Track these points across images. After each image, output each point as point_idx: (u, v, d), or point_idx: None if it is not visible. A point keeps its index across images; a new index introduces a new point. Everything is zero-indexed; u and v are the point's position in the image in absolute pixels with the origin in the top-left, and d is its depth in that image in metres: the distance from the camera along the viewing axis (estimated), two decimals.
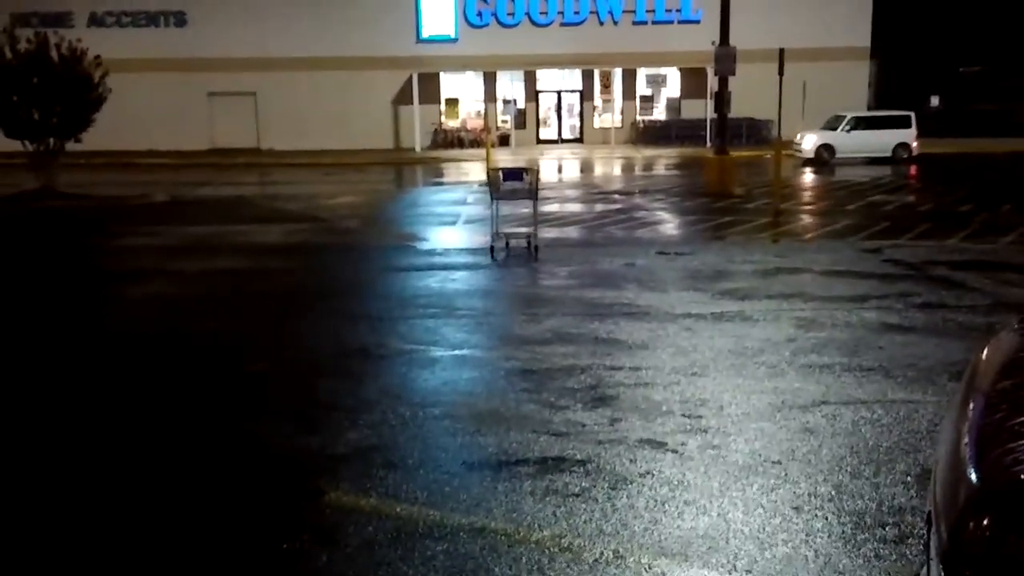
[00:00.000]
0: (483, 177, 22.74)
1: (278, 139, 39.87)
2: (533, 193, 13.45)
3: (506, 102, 40.50)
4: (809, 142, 30.17)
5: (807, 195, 20.61)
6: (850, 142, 29.71)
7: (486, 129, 38.73)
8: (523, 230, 13.95)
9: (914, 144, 29.82)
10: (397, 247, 14.44)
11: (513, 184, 13.49)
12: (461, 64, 39.50)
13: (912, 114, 30.60)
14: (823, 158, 29.68)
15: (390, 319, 9.43)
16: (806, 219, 16.67)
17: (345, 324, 9.29)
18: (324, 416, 6.45)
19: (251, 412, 6.59)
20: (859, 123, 30.26)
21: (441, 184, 26.75)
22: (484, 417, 6.39)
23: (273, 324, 9.37)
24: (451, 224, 17.04)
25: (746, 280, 11.06)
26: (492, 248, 13.31)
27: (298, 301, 10.57)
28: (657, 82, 40.89)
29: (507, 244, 13.73)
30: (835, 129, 30.10)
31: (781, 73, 30.63)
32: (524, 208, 16.40)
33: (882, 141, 29.77)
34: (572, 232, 15.90)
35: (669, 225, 17.05)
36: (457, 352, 8.10)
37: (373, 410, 6.55)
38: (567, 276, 11.63)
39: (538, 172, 14.60)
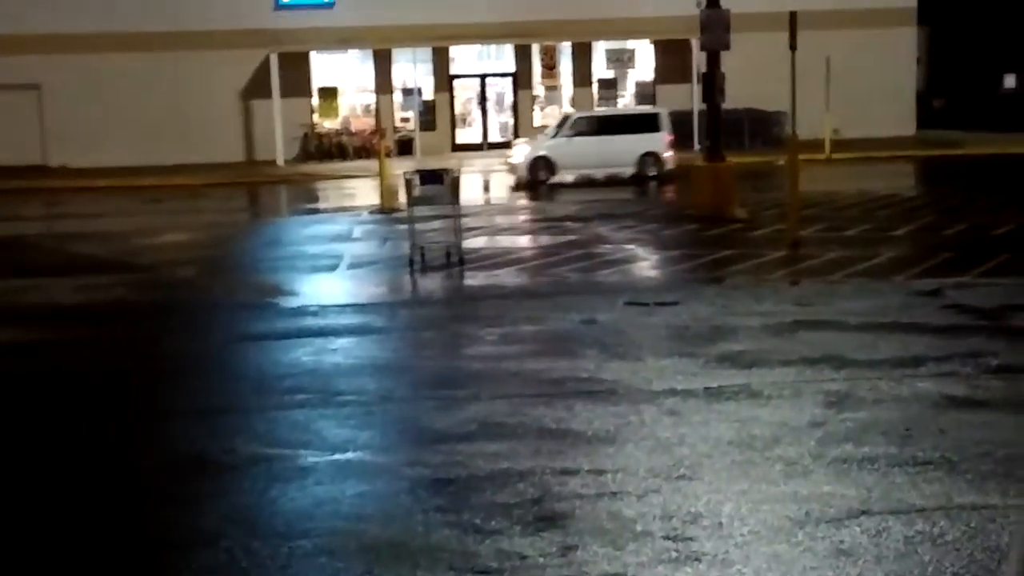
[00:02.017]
0: (375, 200, 22.75)
1: (74, 152, 39.46)
2: (454, 197, 15.73)
3: (407, 93, 40.78)
4: (522, 154, 30.49)
5: (842, 216, 21.08)
6: (575, 153, 29.94)
7: (379, 132, 38.89)
8: (443, 240, 16.88)
9: (667, 154, 30.14)
10: (251, 306, 14.33)
11: (431, 189, 15.60)
12: (340, 39, 39.74)
13: (663, 112, 31.22)
14: (539, 177, 29.80)
15: (240, 412, 9.30)
16: (836, 249, 17.03)
17: (174, 422, 9.13)
18: (140, 563, 6.34)
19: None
20: (588, 125, 30.61)
21: (315, 212, 26.67)
22: (378, 551, 6.31)
23: (64, 428, 9.18)
24: (330, 270, 17.01)
25: (753, 340, 11.20)
26: (411, 261, 16.60)
27: (104, 391, 10.36)
28: (622, 60, 41.60)
29: (422, 256, 16.74)
30: (557, 136, 30.45)
31: (794, 46, 31.39)
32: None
33: (621, 151, 30.03)
34: (506, 276, 15.96)
35: (643, 263, 17.21)
36: (339, 457, 8.02)
37: (214, 547, 6.44)
38: (499, 340, 11.64)
39: (459, 174, 17.38)
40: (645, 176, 30.08)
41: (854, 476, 7.25)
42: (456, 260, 16.84)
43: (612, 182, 30.04)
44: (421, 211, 17.51)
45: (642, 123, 30.69)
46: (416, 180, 16.73)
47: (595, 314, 12.72)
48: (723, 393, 9.25)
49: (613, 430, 8.35)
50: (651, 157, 30.11)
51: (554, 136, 30.57)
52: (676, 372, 9.99)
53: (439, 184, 16.43)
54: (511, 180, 30.89)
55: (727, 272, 15.67)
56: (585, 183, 30.25)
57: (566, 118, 31.31)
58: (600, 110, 32.99)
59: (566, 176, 30.32)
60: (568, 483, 7.26)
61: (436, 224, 19.14)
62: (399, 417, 9.06)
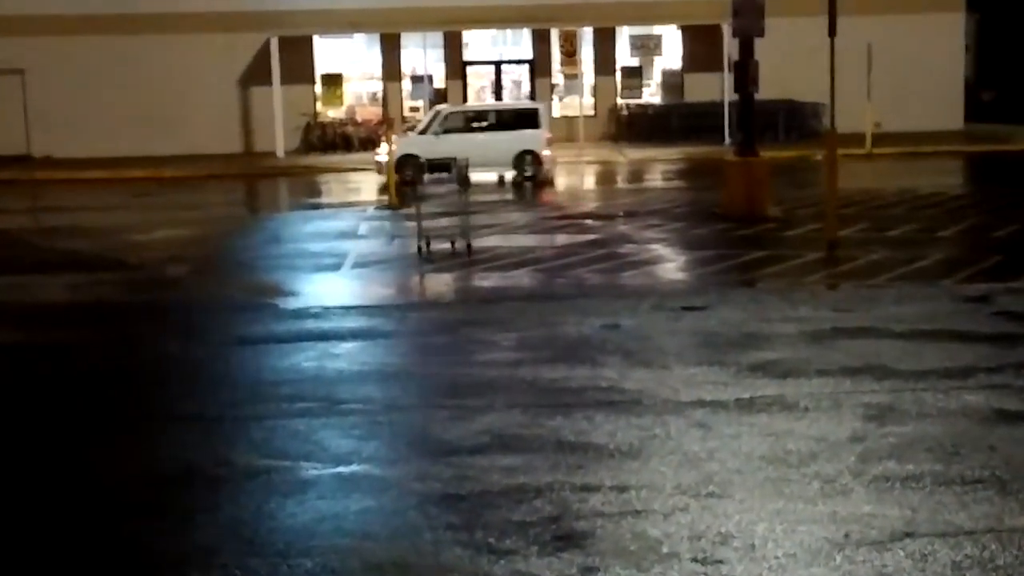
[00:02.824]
0: (381, 195, 22.75)
1: (60, 142, 39.53)
2: (463, 185, 16.75)
3: (416, 81, 40.78)
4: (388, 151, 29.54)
5: (884, 215, 21.03)
6: (446, 151, 27.96)
7: (386, 122, 38.87)
8: (451, 230, 17.84)
9: (546, 152, 29.62)
10: (249, 307, 14.34)
11: (439, 177, 16.78)
12: (345, 22, 39.75)
13: (542, 107, 30.81)
14: (405, 177, 28.16)
15: (237, 421, 9.31)
16: (878, 251, 16.99)
17: (165, 431, 9.15)
18: None
19: None
20: (460, 121, 30.22)
21: (317, 207, 26.70)
22: (384, 571, 6.31)
23: (48, 437, 9.20)
24: (333, 269, 17.02)
25: (788, 348, 11.18)
26: (420, 250, 17.56)
27: (91, 397, 10.39)
28: (648, 47, 41.53)
29: (428, 245, 17.61)
30: (426, 132, 29.89)
31: (833, 32, 31.26)
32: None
33: (496, 149, 29.46)
34: (522, 278, 15.96)
35: (670, 265, 17.20)
36: (342, 469, 8.03)
37: (208, 566, 6.45)
38: (514, 346, 11.65)
39: (467, 163, 18.34)
40: (523, 176, 29.52)
41: (897, 495, 7.22)
42: (463, 251, 17.59)
43: (487, 183, 29.25)
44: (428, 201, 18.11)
45: (520, 119, 30.13)
46: (424, 167, 17.97)
47: (618, 318, 12.70)
48: (755, 405, 9.23)
49: (637, 444, 8.34)
50: (529, 156, 29.56)
51: (422, 132, 29.94)
52: (705, 381, 9.97)
53: (446, 172, 17.76)
54: (378, 180, 29.79)
55: (760, 275, 15.65)
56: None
57: (436, 113, 30.68)
58: (474, 104, 32.12)
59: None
60: (589, 500, 7.25)
61: (442, 216, 19.20)
62: (407, 427, 9.06)
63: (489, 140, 29.51)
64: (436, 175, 17.76)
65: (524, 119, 30.12)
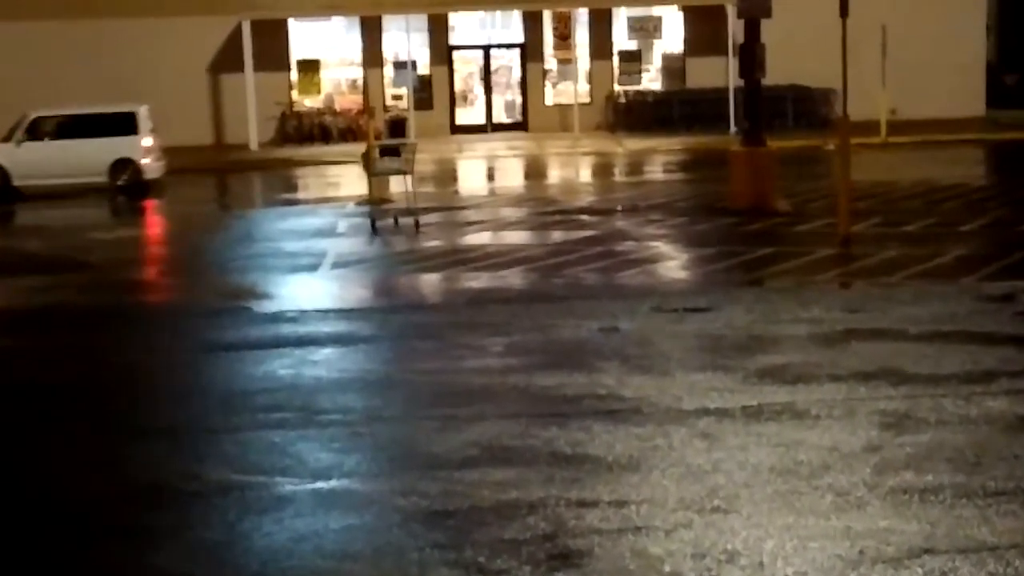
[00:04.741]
0: (362, 190, 22.87)
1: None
2: (409, 166, 20.43)
3: (399, 67, 40.75)
4: None
5: (901, 208, 21.06)
6: (33, 159, 28.69)
7: (367, 111, 38.85)
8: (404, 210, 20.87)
9: (146, 160, 29.05)
10: (220, 311, 14.32)
11: (389, 160, 20.40)
12: (322, 5, 39.75)
13: (142, 110, 30.08)
14: None
15: (208, 433, 9.31)
16: (894, 247, 17.01)
17: (131, 444, 9.14)
18: None
19: None
20: (49, 127, 29.45)
21: (294, 203, 26.67)
22: None
23: (6, 452, 9.19)
24: (311, 270, 17.01)
25: (799, 351, 11.19)
26: (373, 223, 20.45)
27: (49, 408, 10.37)
28: (647, 30, 41.51)
29: (373, 223, 20.47)
30: (11, 139, 29.30)
31: (845, 13, 31.27)
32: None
33: (88, 157, 28.52)
34: (513, 278, 15.98)
35: (671, 263, 17.21)
36: (321, 485, 8.03)
37: None
38: (505, 351, 11.65)
39: (415, 147, 21.97)
40: (117, 187, 28.64)
41: (915, 509, 7.24)
42: (412, 224, 20.25)
43: (78, 194, 28.33)
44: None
45: (115, 124, 29.39)
46: (377, 153, 21.00)
47: (616, 321, 12.71)
48: (764, 413, 9.24)
49: (637, 455, 8.35)
50: (125, 164, 28.83)
51: (6, 139, 29.36)
52: (709, 388, 9.98)
53: (396, 156, 20.93)
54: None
55: (768, 273, 15.67)
56: (58, 194, 28.45)
57: (23, 118, 29.81)
58: (65, 109, 31.08)
59: (37, 184, 28.71)
60: (585, 516, 7.26)
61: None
62: (391, 439, 9.06)
63: (80, 147, 28.64)
64: (387, 159, 20.80)
65: (120, 124, 29.30)
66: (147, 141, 29.24)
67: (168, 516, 7.60)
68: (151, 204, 26.85)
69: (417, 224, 20.31)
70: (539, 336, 12.23)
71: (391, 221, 20.86)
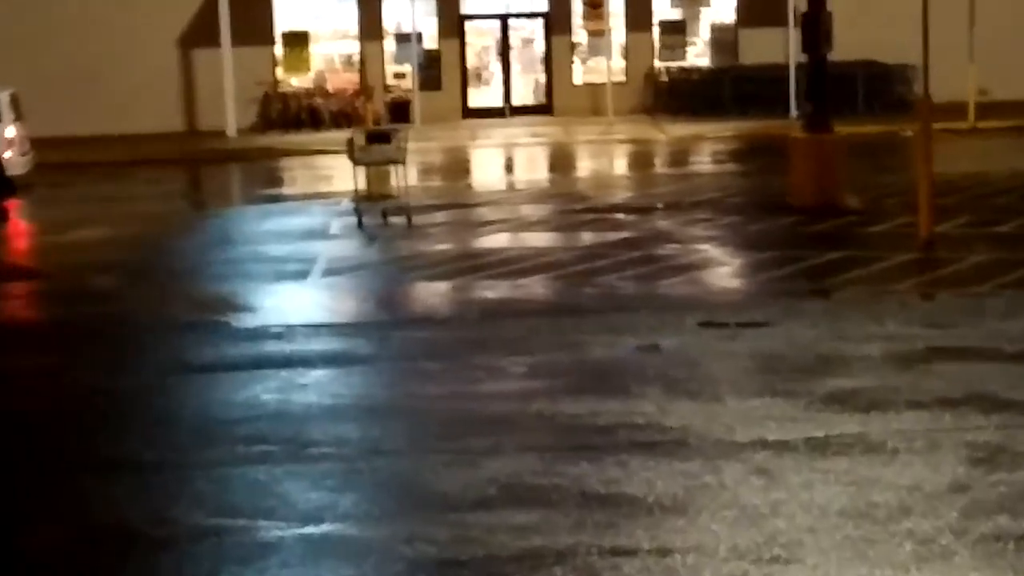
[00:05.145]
0: (359, 184, 22.91)
1: None
2: (401, 154, 20.99)
3: (402, 40, 40.81)
4: None
5: (992, 206, 21.00)
6: None
7: (364, 92, 38.92)
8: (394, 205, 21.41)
9: (8, 155, 28.33)
10: (195, 326, 14.35)
11: (378, 148, 21.25)
12: None
13: (3, 96, 29.63)
14: None
15: (181, 469, 9.31)
16: (984, 251, 16.99)
17: (91, 481, 9.16)
18: None
19: None
20: None
21: (279, 199, 26.71)
22: None
23: None
24: (299, 278, 17.04)
25: (872, 374, 11.16)
26: (359, 219, 21.00)
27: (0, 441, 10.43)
28: None
29: (360, 220, 20.97)
30: None
31: None
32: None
33: None
34: (535, 287, 16.00)
35: (722, 270, 17.19)
36: (312, 529, 8.03)
37: None
38: (527, 373, 11.65)
39: (407, 133, 22.34)
40: None
41: (1010, 559, 7.22)
42: (404, 222, 20.87)
43: None
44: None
45: None
46: (363, 138, 21.72)
47: (657, 338, 12.72)
48: (831, 445, 9.23)
49: (682, 495, 8.34)
50: None
51: None
52: (767, 417, 9.97)
53: (386, 142, 21.56)
54: None
55: (836, 281, 15.63)
56: None
57: None
58: None
59: None
60: (622, 567, 7.26)
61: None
62: (393, 476, 9.06)
63: None
64: (376, 145, 21.37)
65: None
66: (9, 131, 28.85)
67: (135, 567, 7.62)
68: (12, 205, 26.58)
69: (409, 221, 20.86)
70: (566, 355, 12.24)
71: (380, 218, 21.19)
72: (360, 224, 20.88)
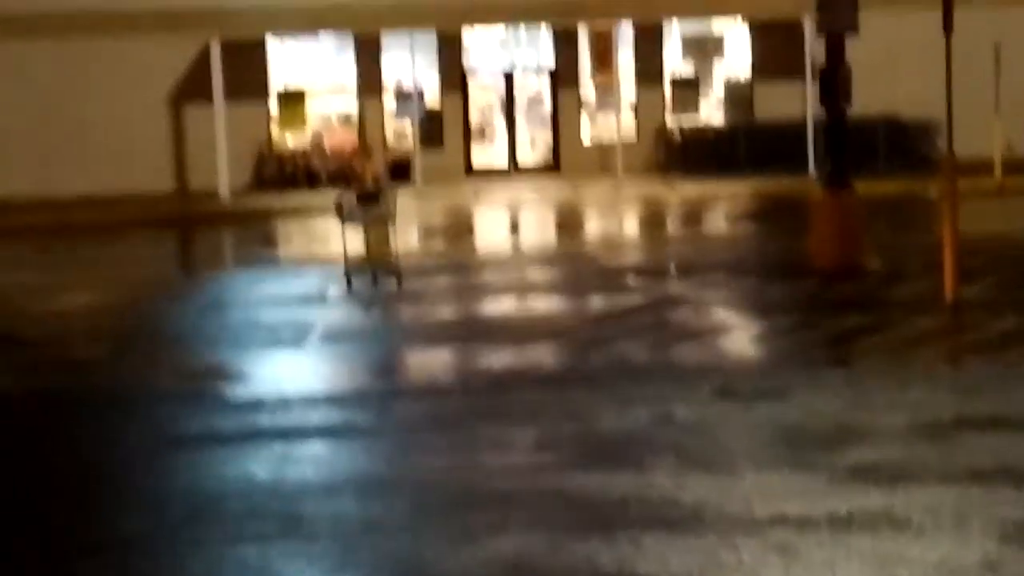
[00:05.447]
0: (357, 247, 23.01)
1: None
2: (390, 215, 21.72)
3: (403, 96, 40.97)
4: None
5: (1010, 267, 21.01)
6: None
7: (363, 151, 39.06)
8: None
9: None
10: (185, 396, 14.34)
11: (366, 209, 21.86)
12: (309, 20, 39.99)
13: None
14: None
15: (169, 547, 9.30)
16: (1012, 316, 16.97)
17: (74, 563, 9.12)
18: None
19: None
20: None
21: (274, 263, 26.76)
22: None
23: None
24: (294, 345, 17.05)
25: (897, 445, 11.12)
26: (348, 280, 21.35)
27: None
28: (705, 50, 41.73)
29: (348, 282, 21.36)
30: None
31: (949, 28, 31.20)
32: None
33: None
34: (543, 354, 16.03)
35: (739, 336, 17.19)
36: None
37: None
38: (534, 445, 11.63)
39: (396, 193, 23.05)
40: None
41: None
42: (395, 282, 21.28)
43: None
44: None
45: None
46: (353, 199, 22.39)
47: (671, 407, 12.69)
48: (855, 521, 9.19)
49: (698, 574, 8.32)
50: None
51: None
52: (787, 491, 9.93)
53: (375, 202, 22.28)
54: None
55: (858, 348, 15.64)
56: None
57: None
58: None
59: None
60: None
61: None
62: (393, 555, 9.02)
63: None
64: (365, 205, 22.10)
65: None
66: None
67: None
68: None
69: (399, 284, 21.18)
70: (576, 426, 12.20)
71: (371, 281, 21.41)
72: (349, 287, 21.23)
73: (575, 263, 24.56)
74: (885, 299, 18.81)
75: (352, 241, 21.59)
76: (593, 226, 31.24)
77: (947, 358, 14.99)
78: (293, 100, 41.52)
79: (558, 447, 11.52)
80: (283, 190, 39.42)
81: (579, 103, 42.11)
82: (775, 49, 40.82)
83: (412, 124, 39.97)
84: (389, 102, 41.56)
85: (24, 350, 17.61)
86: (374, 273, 21.53)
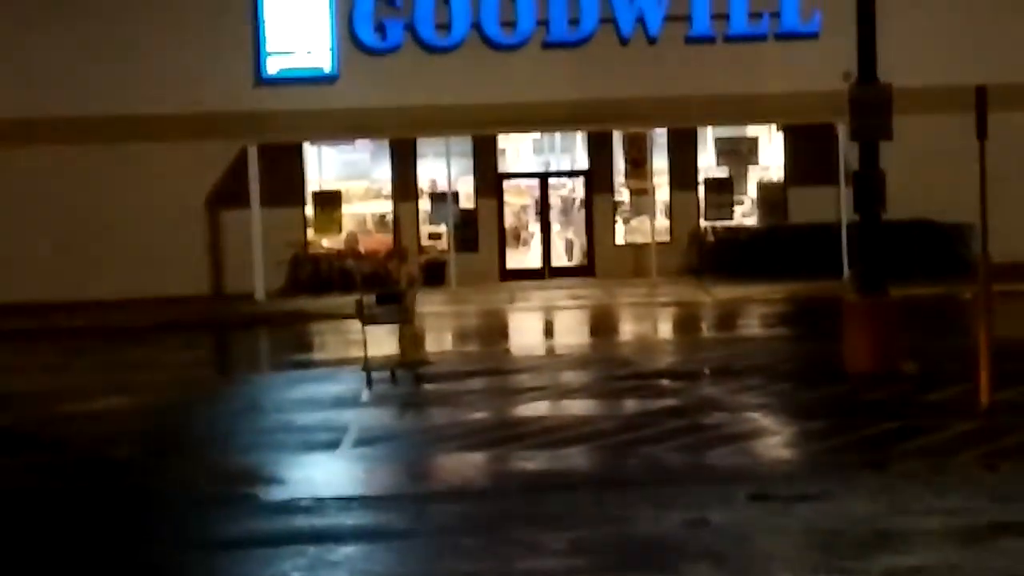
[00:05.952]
0: (392, 349, 23.07)
1: None
2: (408, 315, 22.25)
3: (437, 200, 41.11)
4: None
5: None
6: None
7: (398, 254, 39.16)
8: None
9: None
10: (220, 499, 14.38)
11: (386, 310, 22.48)
12: (346, 125, 40.18)
13: None
14: None
15: None
16: None
17: None
18: None
19: None
20: None
21: (309, 365, 26.81)
22: None
23: None
24: (329, 448, 17.09)
25: (932, 551, 11.10)
26: (369, 380, 21.67)
27: None
28: (739, 154, 41.81)
29: (369, 379, 21.75)
30: None
31: (983, 134, 31.03)
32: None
33: None
34: (577, 458, 16.02)
35: (773, 440, 17.15)
36: None
37: None
38: (568, 549, 11.62)
39: (416, 290, 24.50)
40: None
41: None
42: (414, 380, 21.95)
43: None
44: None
45: None
46: (372, 300, 22.80)
47: (705, 512, 12.67)
48: None
49: None
50: None
51: None
52: None
53: (395, 302, 22.88)
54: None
55: (893, 452, 15.58)
56: None
57: None
58: None
59: None
60: None
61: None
62: None
63: None
64: (385, 305, 22.72)
65: None
66: None
67: None
68: None
69: (421, 382, 21.89)
70: (610, 530, 12.21)
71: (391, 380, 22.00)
72: (370, 387, 21.53)
73: (609, 366, 24.53)
74: (920, 403, 18.74)
75: (372, 341, 22.17)
76: (627, 328, 31.23)
77: (982, 462, 14.91)
78: (328, 203, 41.56)
79: (592, 551, 11.52)
80: (318, 293, 39.42)
81: (613, 206, 42.13)
82: (808, 152, 40.81)
83: (447, 227, 40.13)
84: (424, 205, 41.70)
85: (59, 452, 17.66)
86: (393, 372, 22.10)
